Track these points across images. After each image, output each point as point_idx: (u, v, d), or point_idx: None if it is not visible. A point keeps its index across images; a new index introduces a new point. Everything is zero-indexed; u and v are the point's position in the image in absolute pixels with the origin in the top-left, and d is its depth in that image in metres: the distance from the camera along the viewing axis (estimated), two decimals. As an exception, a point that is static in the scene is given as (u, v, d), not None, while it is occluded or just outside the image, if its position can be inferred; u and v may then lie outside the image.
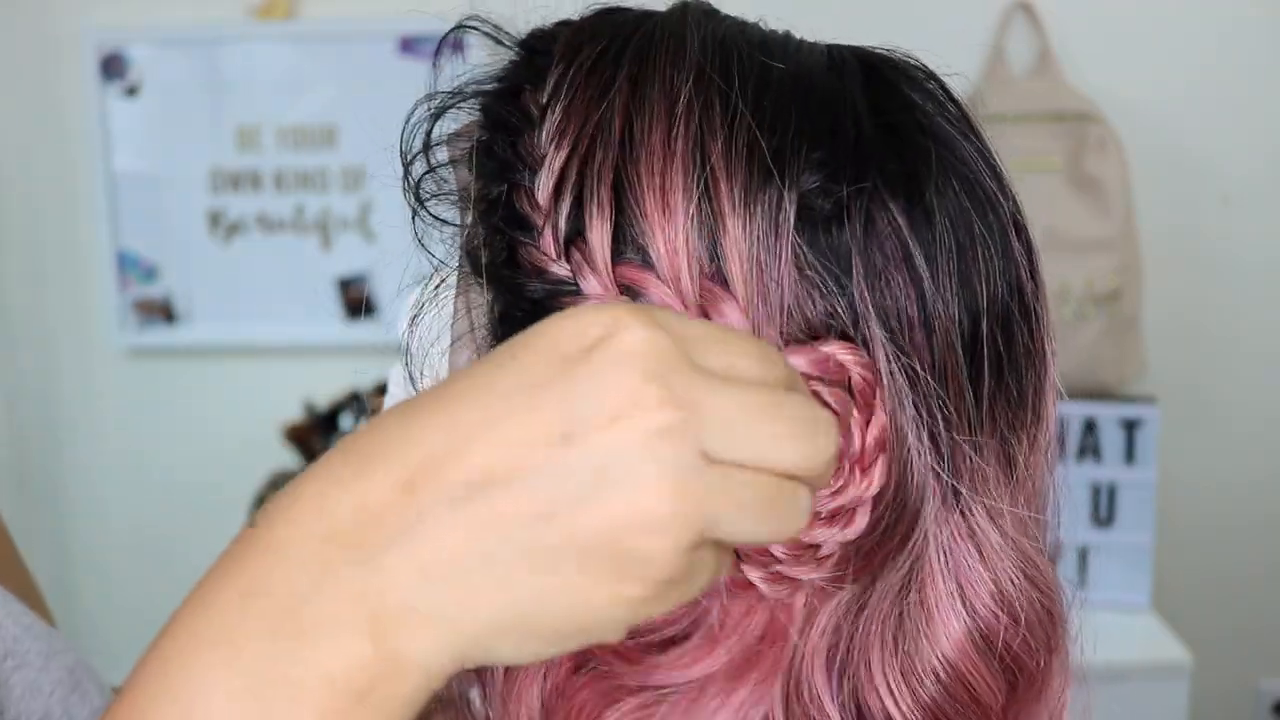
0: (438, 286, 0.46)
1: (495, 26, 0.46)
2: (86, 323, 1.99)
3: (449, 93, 0.45)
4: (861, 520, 0.39)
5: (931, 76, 0.45)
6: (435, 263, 0.46)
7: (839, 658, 0.41)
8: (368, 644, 0.32)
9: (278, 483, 1.72)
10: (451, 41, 0.47)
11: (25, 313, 2.00)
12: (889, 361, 0.39)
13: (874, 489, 0.39)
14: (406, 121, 0.45)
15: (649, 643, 0.42)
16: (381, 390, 1.89)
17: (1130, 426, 1.69)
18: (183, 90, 1.91)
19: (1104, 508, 1.70)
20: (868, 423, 0.39)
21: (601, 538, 0.32)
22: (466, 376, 0.33)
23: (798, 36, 0.46)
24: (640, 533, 0.31)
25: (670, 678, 0.41)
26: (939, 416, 0.40)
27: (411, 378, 0.46)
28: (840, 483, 0.39)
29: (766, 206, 0.39)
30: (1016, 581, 0.41)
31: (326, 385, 1.89)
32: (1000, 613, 0.41)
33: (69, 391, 2.01)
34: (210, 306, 1.97)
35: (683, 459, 0.31)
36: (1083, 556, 1.70)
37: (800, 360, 0.38)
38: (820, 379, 0.38)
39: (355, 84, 1.90)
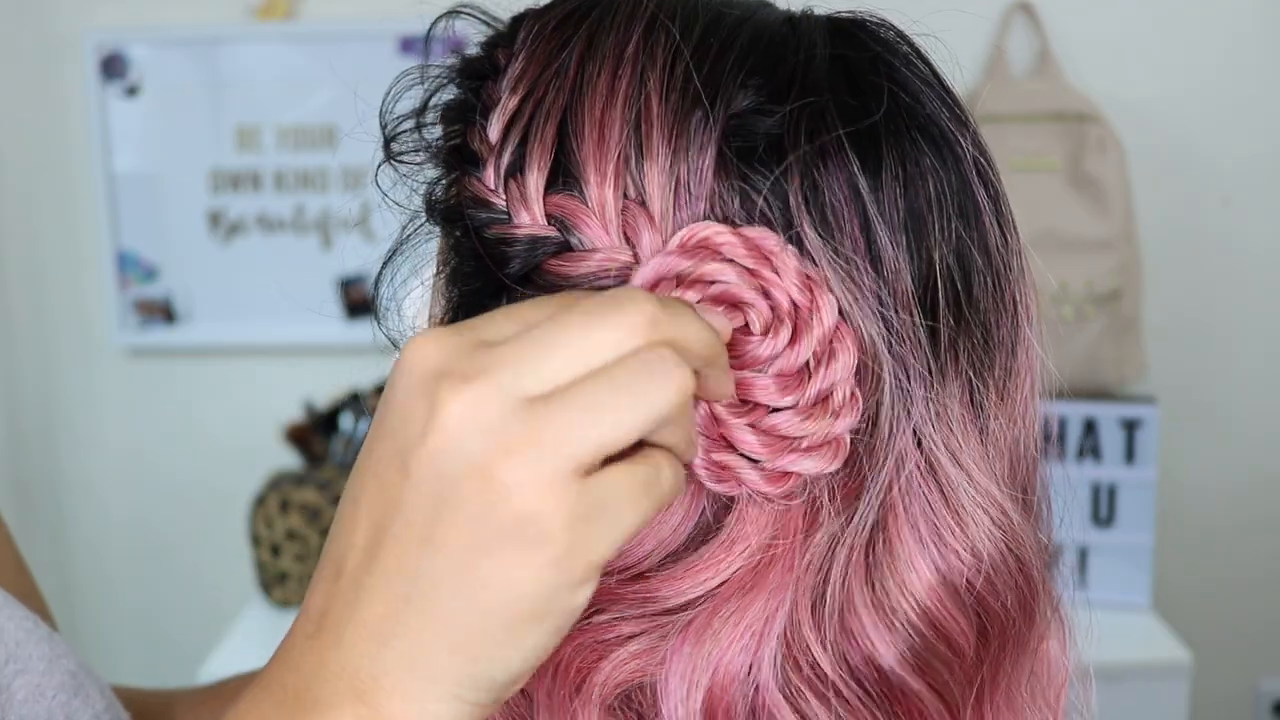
0: (408, 236, 0.48)
1: (484, 11, 0.47)
2: (86, 323, 1.99)
3: (439, 64, 0.47)
4: (843, 390, 0.39)
5: (902, 37, 0.45)
6: (405, 211, 0.48)
7: (824, 601, 0.40)
8: (364, 710, 0.35)
9: (278, 483, 1.72)
10: (448, 39, 0.47)
11: (25, 313, 2.00)
12: (830, 274, 0.39)
13: (842, 374, 0.39)
14: (387, 93, 0.47)
15: (639, 572, 0.41)
16: (381, 390, 1.89)
17: (1130, 426, 1.69)
18: (183, 90, 1.91)
19: (1104, 508, 1.70)
20: (810, 312, 0.38)
21: (481, 523, 0.33)
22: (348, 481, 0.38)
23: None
24: (507, 501, 0.33)
25: (681, 589, 0.40)
26: (891, 345, 0.40)
27: (381, 327, 0.48)
28: (795, 342, 0.39)
29: (693, 126, 0.39)
30: (980, 523, 0.41)
31: (326, 385, 1.89)
32: (962, 551, 0.41)
33: (69, 391, 2.01)
34: (210, 306, 1.97)
35: (497, 415, 0.33)
36: (1083, 556, 1.70)
37: (729, 239, 0.38)
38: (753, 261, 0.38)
39: (355, 84, 1.90)
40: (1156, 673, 1.59)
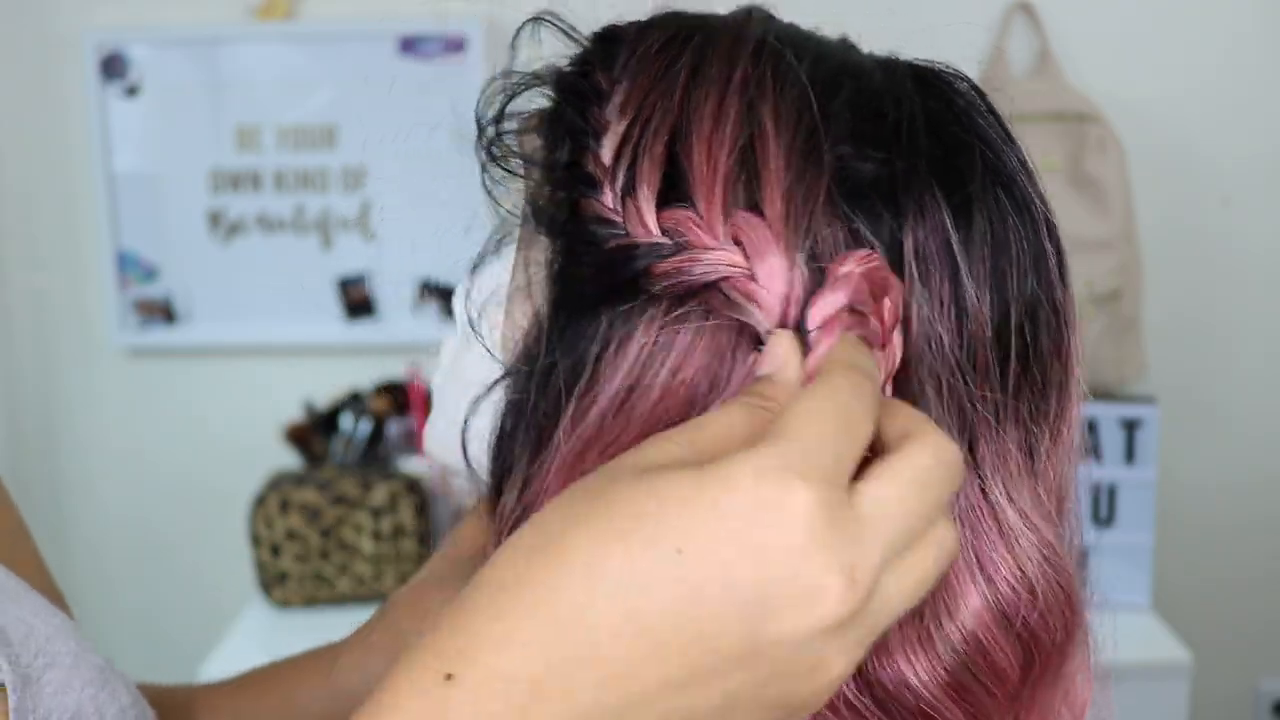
0: (500, 240, 0.49)
1: (567, 23, 0.48)
2: (86, 323, 1.99)
3: (526, 73, 0.48)
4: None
5: (974, 87, 0.48)
6: (502, 214, 0.49)
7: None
8: None
9: (278, 483, 1.72)
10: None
11: (25, 313, 2.00)
12: (915, 315, 0.42)
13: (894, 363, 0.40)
14: (482, 92, 0.48)
15: None
16: (381, 390, 1.90)
17: (1130, 426, 1.69)
18: (183, 90, 1.91)
19: (1104, 508, 1.70)
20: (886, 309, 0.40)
21: (781, 706, 0.35)
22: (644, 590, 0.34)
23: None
24: (815, 698, 0.35)
25: None
26: (963, 392, 0.42)
27: (471, 323, 0.48)
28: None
29: (807, 157, 0.41)
30: (1034, 560, 0.43)
31: (326, 385, 1.89)
32: (1018, 587, 0.42)
33: (69, 391, 2.01)
34: (210, 306, 1.97)
35: (855, 636, 0.34)
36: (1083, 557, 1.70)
37: (850, 268, 0.40)
38: (860, 305, 0.40)
39: (355, 84, 1.90)
40: (1156, 673, 1.59)
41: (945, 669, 0.41)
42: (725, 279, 0.40)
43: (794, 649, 0.33)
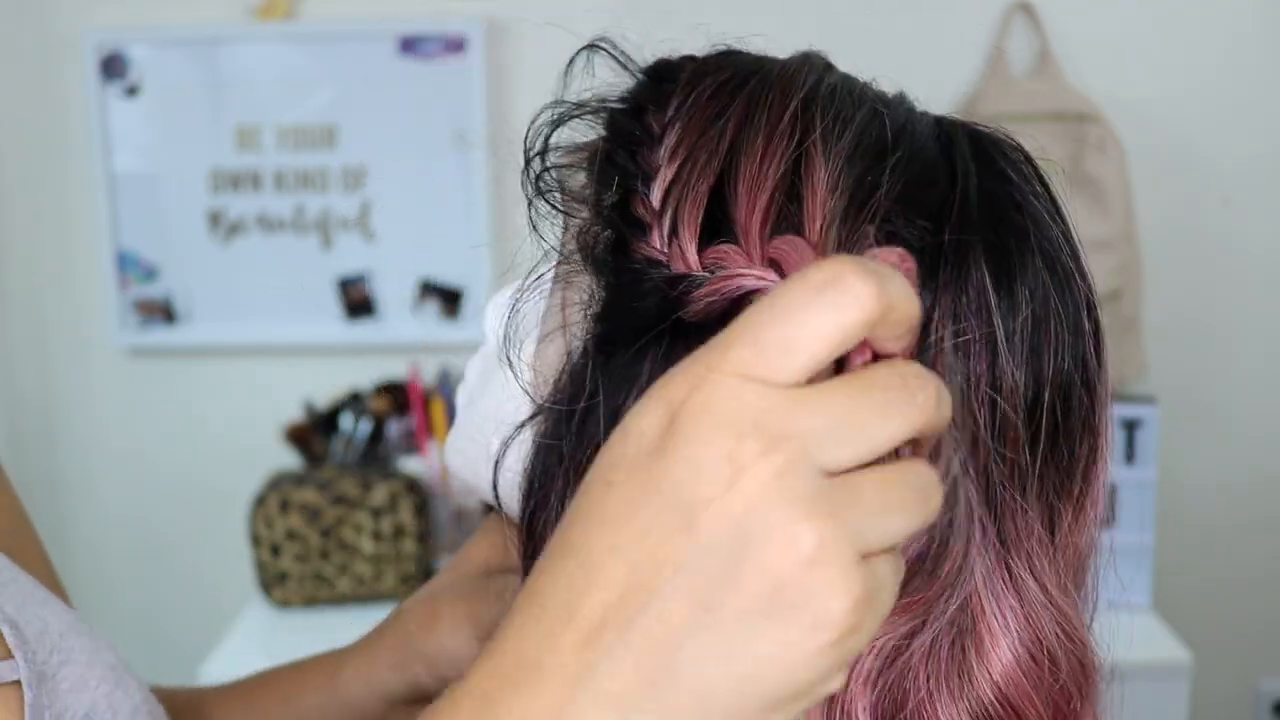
0: (539, 277, 0.48)
1: (622, 52, 0.48)
2: (86, 323, 1.99)
3: (575, 103, 0.48)
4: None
5: (1028, 158, 0.47)
6: (546, 249, 0.48)
7: (883, 698, 0.42)
8: None
9: (278, 483, 1.72)
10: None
11: (25, 312, 2.00)
12: (955, 398, 0.41)
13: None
14: (532, 122, 0.48)
15: None
16: (381, 390, 1.90)
17: (1130, 426, 1.69)
18: (183, 90, 1.91)
19: (1104, 508, 1.70)
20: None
21: (767, 599, 0.32)
22: (574, 520, 0.34)
23: (910, 99, 0.49)
24: (802, 575, 0.31)
25: None
26: (992, 468, 0.42)
27: (510, 361, 0.48)
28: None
29: (852, 210, 0.41)
30: (1055, 633, 0.43)
31: (326, 385, 1.89)
32: (1039, 656, 0.43)
33: (69, 391, 2.01)
34: (210, 306, 1.97)
35: (805, 488, 0.31)
36: (1083, 556, 1.70)
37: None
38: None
39: (355, 84, 1.90)
40: (1156, 673, 1.59)
41: (978, 714, 0.42)
42: (758, 290, 0.39)
43: (736, 522, 0.32)
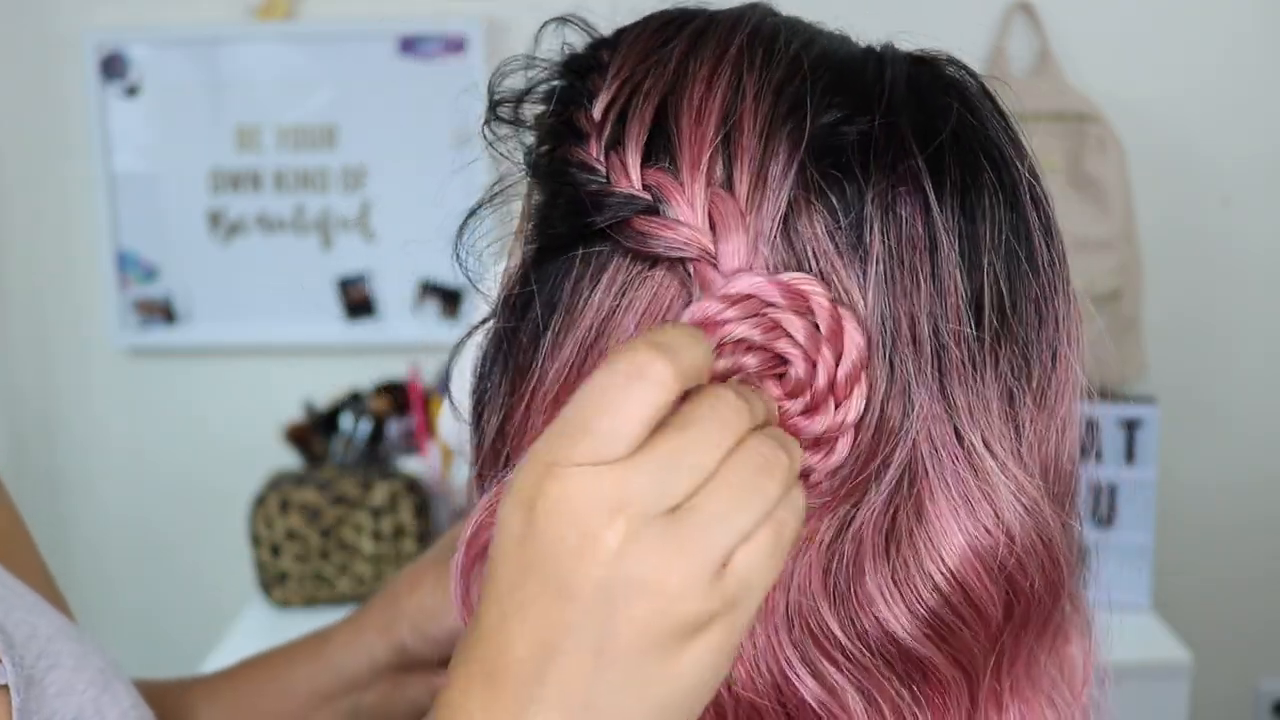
0: (496, 194, 0.51)
1: (587, 23, 0.51)
2: (86, 323, 1.99)
3: (541, 58, 0.50)
4: (843, 448, 0.43)
5: (972, 74, 0.50)
6: (501, 167, 0.51)
7: (836, 581, 0.43)
8: None
9: (278, 483, 1.72)
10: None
11: (25, 312, 2.00)
12: (886, 284, 0.43)
13: (852, 417, 0.42)
14: (495, 72, 0.51)
15: None
16: (381, 390, 1.90)
17: (1130, 426, 1.69)
18: (183, 90, 1.91)
19: (1104, 508, 1.70)
20: (838, 357, 0.42)
21: (654, 633, 0.37)
22: (480, 601, 0.39)
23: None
24: (670, 606, 0.37)
25: None
26: (933, 345, 0.43)
27: (463, 267, 0.52)
28: (815, 414, 0.42)
29: (783, 129, 0.43)
30: (1011, 507, 0.44)
31: (326, 385, 1.89)
32: (994, 530, 0.44)
33: (69, 391, 2.01)
34: (210, 306, 1.97)
35: (650, 539, 0.36)
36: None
37: (770, 289, 0.42)
38: (791, 309, 0.42)
39: (355, 84, 1.90)
40: (1156, 673, 1.59)
41: (926, 609, 0.43)
42: (687, 259, 0.42)
43: (603, 586, 0.36)
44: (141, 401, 2.01)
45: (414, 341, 1.92)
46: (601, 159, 0.44)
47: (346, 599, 1.71)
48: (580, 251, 0.44)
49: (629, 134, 0.44)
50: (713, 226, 0.42)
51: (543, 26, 0.51)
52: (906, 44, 0.51)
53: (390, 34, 1.88)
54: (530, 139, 0.49)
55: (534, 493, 0.37)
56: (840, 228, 0.43)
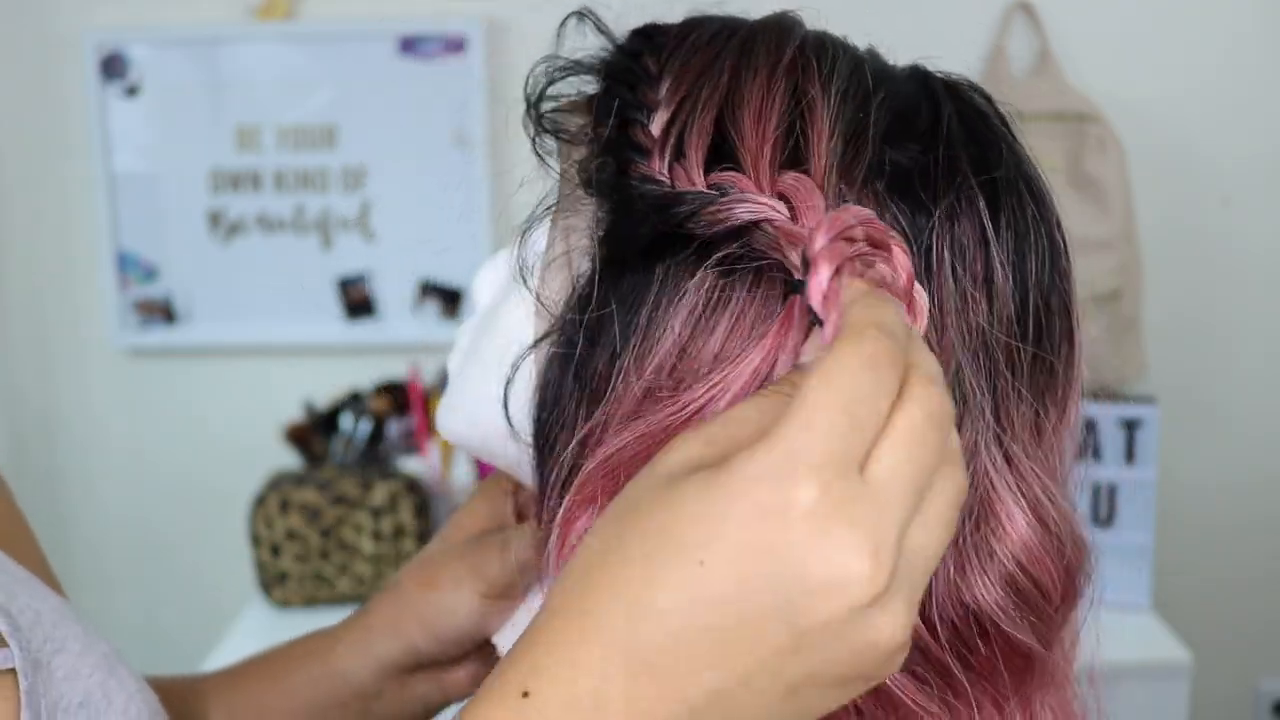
0: (548, 208, 0.51)
1: (603, 21, 0.51)
2: (86, 323, 1.99)
3: (571, 60, 0.51)
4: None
5: (987, 97, 0.51)
6: (554, 178, 0.51)
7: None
8: None
9: (278, 483, 1.72)
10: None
11: (25, 312, 2.00)
12: (954, 304, 0.45)
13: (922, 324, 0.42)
14: (531, 72, 0.51)
15: None
16: (381, 390, 1.89)
17: (1130, 426, 1.69)
18: (183, 90, 1.91)
19: (1104, 508, 1.70)
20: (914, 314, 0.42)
21: (847, 682, 0.36)
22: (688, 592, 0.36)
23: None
24: (881, 666, 0.36)
25: None
26: (988, 366, 0.46)
27: (526, 283, 0.50)
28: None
29: (853, 140, 0.44)
30: (1054, 515, 0.47)
31: (326, 385, 1.89)
32: (1039, 527, 0.46)
33: (69, 391, 2.01)
34: (210, 306, 1.97)
35: (897, 598, 0.35)
36: (1083, 556, 1.70)
37: (878, 226, 0.41)
38: (879, 258, 0.41)
39: (355, 84, 1.90)
40: (1156, 673, 1.59)
41: (1007, 585, 0.45)
42: (769, 220, 0.42)
43: (838, 633, 0.34)
44: (141, 401, 2.01)
45: (414, 341, 1.92)
46: (665, 172, 0.44)
47: (346, 599, 1.71)
48: (658, 270, 0.44)
49: (689, 145, 0.44)
50: (789, 204, 0.42)
51: (563, 22, 0.51)
52: (905, 44, 0.52)
53: (390, 34, 1.88)
54: (572, 149, 0.49)
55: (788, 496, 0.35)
56: (909, 245, 0.43)
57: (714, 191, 0.43)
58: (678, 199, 0.43)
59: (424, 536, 1.72)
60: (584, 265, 0.47)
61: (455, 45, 1.88)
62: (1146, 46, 1.87)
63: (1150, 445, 1.69)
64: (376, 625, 0.65)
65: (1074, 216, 1.86)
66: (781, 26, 0.48)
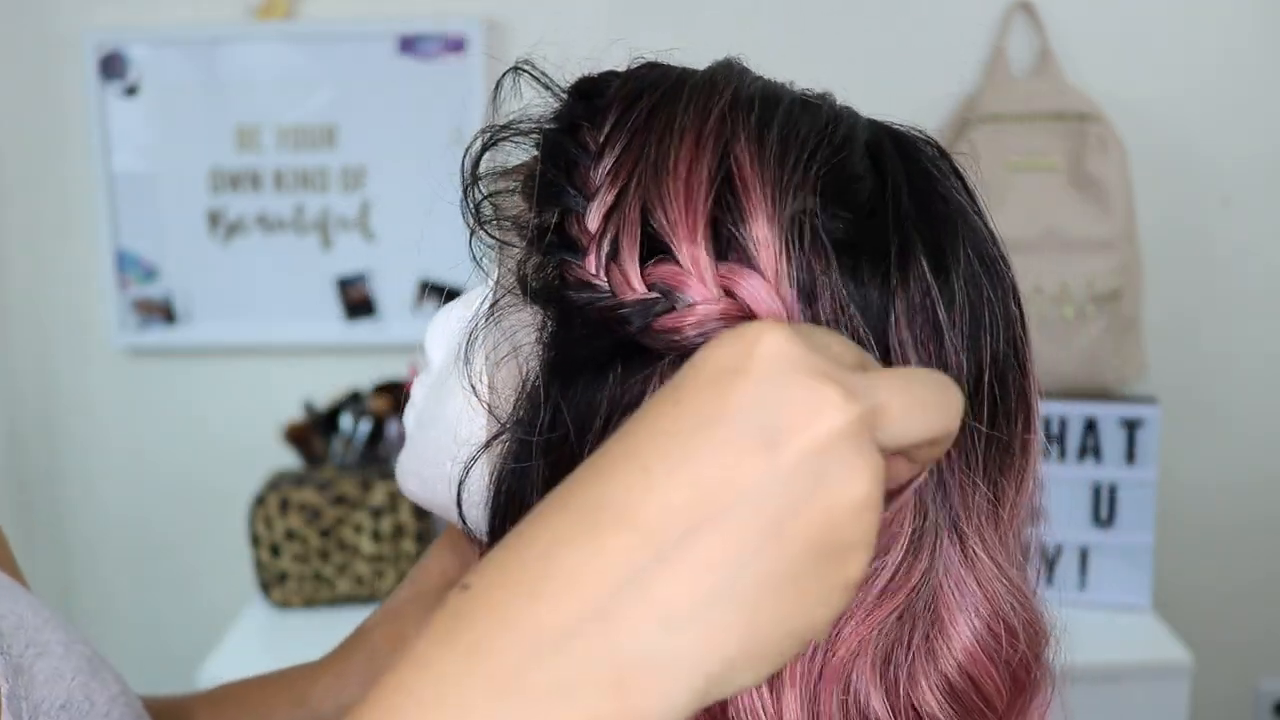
0: (491, 307, 0.49)
1: (543, 73, 0.50)
2: (86, 322, 1.99)
3: (504, 125, 0.49)
4: (900, 548, 0.42)
5: (943, 153, 0.49)
6: (491, 283, 0.50)
7: (890, 661, 0.44)
8: (606, 703, 0.31)
9: (277, 483, 1.72)
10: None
11: (25, 312, 2.00)
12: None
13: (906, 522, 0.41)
14: (466, 150, 0.49)
15: None
16: (381, 390, 1.89)
17: (1130, 426, 1.69)
18: (182, 90, 1.91)
19: (1104, 508, 1.70)
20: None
21: (825, 535, 0.33)
22: (646, 427, 0.34)
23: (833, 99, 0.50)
24: (853, 519, 0.33)
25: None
26: (939, 465, 0.44)
27: (475, 390, 0.48)
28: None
29: (789, 207, 0.42)
30: (1011, 605, 0.45)
31: (326, 385, 1.89)
32: (997, 629, 0.45)
33: (68, 392, 2.01)
34: (210, 306, 1.97)
35: (873, 448, 0.33)
36: (1083, 556, 1.70)
37: None
38: None
39: (355, 84, 1.90)
40: (1157, 673, 1.59)
41: (950, 696, 0.44)
42: (723, 325, 0.41)
43: (817, 459, 0.32)
44: (141, 401, 2.01)
45: (414, 341, 1.91)
46: (602, 274, 0.43)
47: (346, 599, 1.71)
48: (610, 376, 0.43)
49: (623, 242, 0.42)
50: (730, 293, 0.41)
51: (499, 83, 0.50)
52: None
53: (390, 34, 1.88)
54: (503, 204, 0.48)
55: (751, 342, 0.33)
56: (854, 314, 0.43)
57: (656, 297, 0.42)
58: (622, 315, 0.42)
59: (423, 536, 1.72)
60: (532, 364, 0.46)
61: (455, 45, 1.87)
62: (1147, 46, 1.87)
63: (1150, 445, 1.69)
64: (351, 676, 0.66)
65: (1074, 216, 1.87)
66: (713, 82, 0.46)
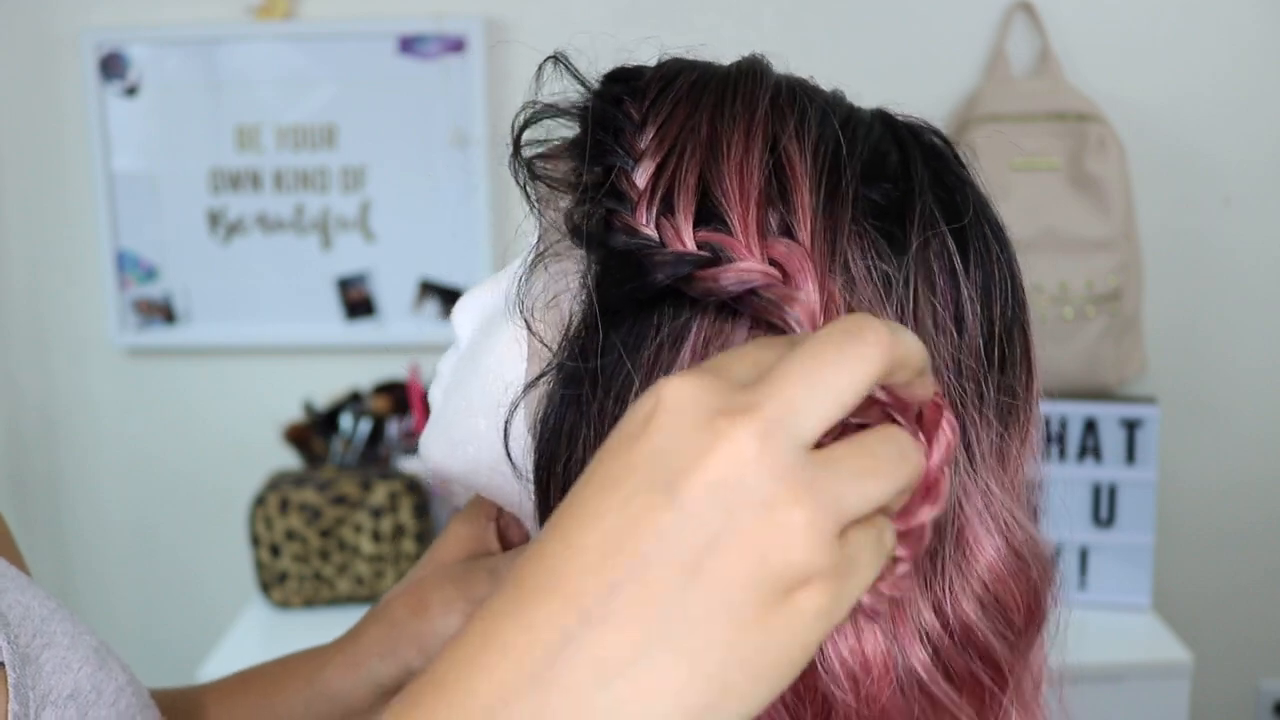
0: (538, 256, 0.52)
1: (575, 66, 0.53)
2: (85, 322, 1.99)
3: (549, 104, 0.52)
4: (929, 533, 0.41)
5: (946, 139, 0.53)
6: (541, 230, 0.52)
7: (935, 580, 0.46)
8: None
9: (277, 483, 1.72)
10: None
11: (24, 312, 2.00)
12: (930, 339, 0.47)
13: (939, 511, 0.40)
14: (515, 118, 0.52)
15: None
16: (381, 390, 1.90)
17: (1130, 426, 1.69)
18: (182, 90, 1.91)
19: (1104, 508, 1.70)
20: (932, 443, 0.40)
21: (758, 565, 0.32)
22: (569, 500, 0.35)
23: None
24: (784, 544, 0.32)
25: None
26: (959, 396, 0.48)
27: (530, 327, 0.51)
28: (908, 510, 0.40)
29: (836, 186, 0.46)
30: (1021, 539, 0.48)
31: (326, 385, 1.89)
32: (1019, 548, 0.48)
33: (68, 391, 2.01)
34: (210, 306, 1.97)
35: (782, 458, 0.33)
36: (1083, 556, 1.70)
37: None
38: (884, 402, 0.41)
39: (355, 84, 1.90)
40: (1157, 673, 1.59)
41: (983, 608, 0.47)
42: (766, 286, 0.44)
43: (720, 493, 0.33)
44: (141, 401, 2.01)
45: (414, 341, 1.92)
46: (652, 225, 0.46)
47: (346, 599, 1.71)
48: (655, 316, 0.46)
49: (678, 202, 0.46)
50: (782, 269, 0.44)
51: (541, 65, 0.53)
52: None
53: (390, 34, 1.88)
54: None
55: (660, 393, 0.34)
56: (888, 284, 0.46)
57: (705, 254, 0.45)
58: (673, 260, 0.45)
59: (424, 536, 1.72)
60: (575, 307, 0.49)
61: (455, 45, 1.87)
62: (1147, 46, 1.87)
63: (1150, 445, 1.69)
64: (369, 647, 0.66)
65: (1074, 216, 1.87)
66: (753, 75, 0.50)
